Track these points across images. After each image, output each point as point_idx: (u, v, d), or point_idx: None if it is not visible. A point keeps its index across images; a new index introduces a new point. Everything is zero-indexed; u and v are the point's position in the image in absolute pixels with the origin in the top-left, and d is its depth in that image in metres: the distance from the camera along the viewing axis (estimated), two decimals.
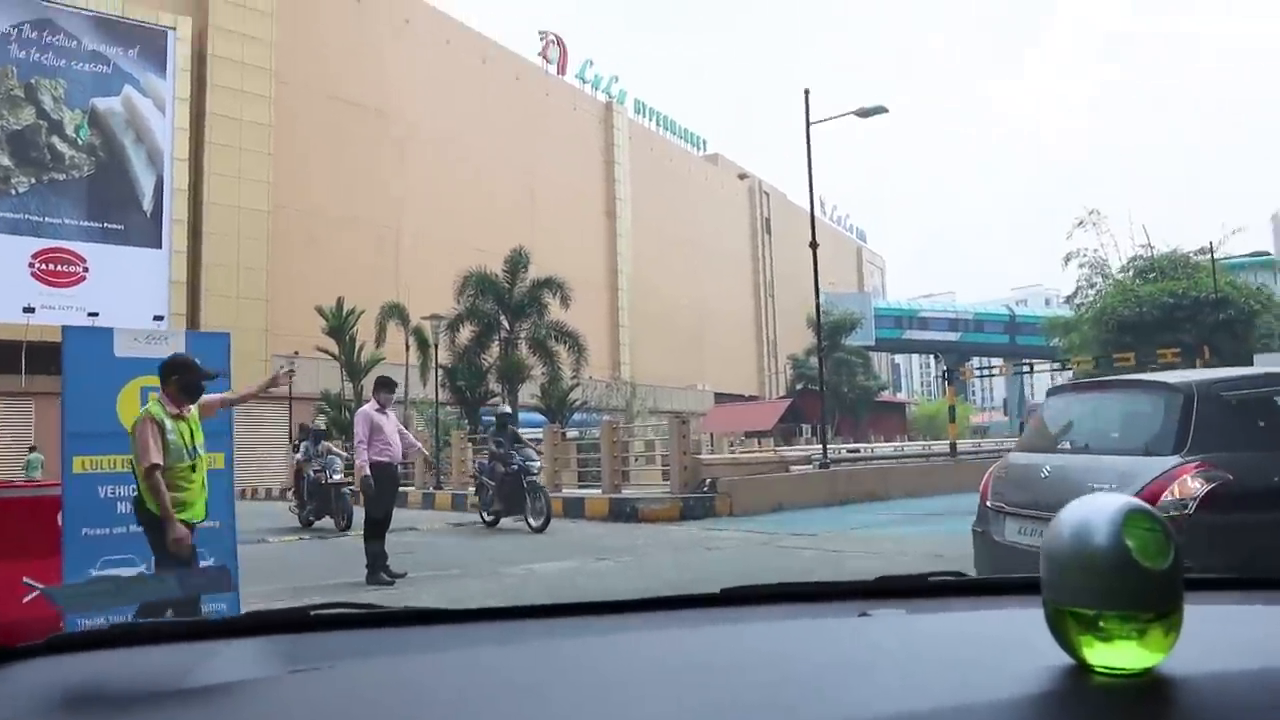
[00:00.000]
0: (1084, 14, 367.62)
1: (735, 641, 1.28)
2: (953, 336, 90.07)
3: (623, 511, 13.86)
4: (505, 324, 32.18)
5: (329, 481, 14.21)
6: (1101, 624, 0.89)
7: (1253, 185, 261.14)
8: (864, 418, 55.09)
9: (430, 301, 30.83)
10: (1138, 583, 0.88)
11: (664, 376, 58.47)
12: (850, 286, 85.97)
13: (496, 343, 32.24)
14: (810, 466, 15.76)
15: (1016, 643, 1.13)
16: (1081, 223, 43.96)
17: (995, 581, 1.71)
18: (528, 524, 12.41)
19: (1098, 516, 0.90)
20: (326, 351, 29.66)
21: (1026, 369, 47.18)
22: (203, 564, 5.16)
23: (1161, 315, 34.75)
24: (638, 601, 1.53)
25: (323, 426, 17.29)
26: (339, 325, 28.89)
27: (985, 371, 56.75)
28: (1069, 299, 45.93)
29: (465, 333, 31.64)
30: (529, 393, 33.21)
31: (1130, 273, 39.89)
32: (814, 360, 55.15)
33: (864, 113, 16.21)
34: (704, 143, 75.34)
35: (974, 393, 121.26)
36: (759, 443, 41.20)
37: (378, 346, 29.98)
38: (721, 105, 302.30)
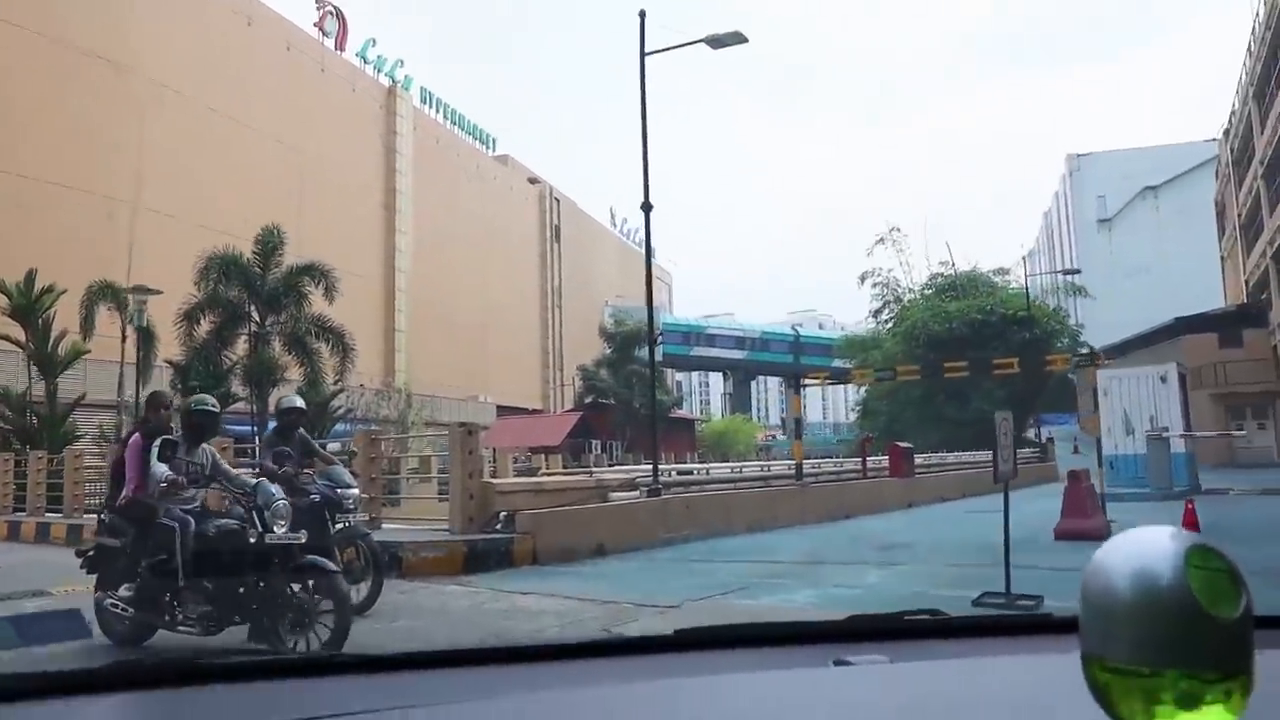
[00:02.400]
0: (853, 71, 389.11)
1: (694, 695, 1.15)
2: (739, 354, 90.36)
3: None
4: (256, 316, 27.06)
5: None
6: (1160, 685, 0.73)
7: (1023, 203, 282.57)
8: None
9: (174, 290, 25.40)
10: (1205, 635, 0.72)
11: (444, 385, 53.83)
12: (640, 300, 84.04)
13: (245, 338, 27.07)
14: (637, 494, 12.21)
15: (1028, 701, 1.02)
16: (882, 240, 43.61)
17: (981, 621, 1.66)
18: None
19: (1153, 554, 0.74)
20: (7, 338, 23.46)
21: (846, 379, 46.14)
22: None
23: (970, 333, 34.09)
24: (580, 645, 1.42)
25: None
26: (27, 305, 22.81)
27: (825, 383, 55.73)
28: (875, 314, 45.30)
29: (206, 326, 26.34)
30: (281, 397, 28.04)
31: (931, 290, 39.38)
32: (604, 373, 52.94)
33: (715, 41, 12.95)
34: (494, 141, 71.16)
35: (760, 411, 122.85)
36: (546, 460, 37.65)
37: (83, 336, 24.04)
38: (515, 107, 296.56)
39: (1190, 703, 0.73)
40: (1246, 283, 43.43)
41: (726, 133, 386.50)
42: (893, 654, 1.31)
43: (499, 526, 10.02)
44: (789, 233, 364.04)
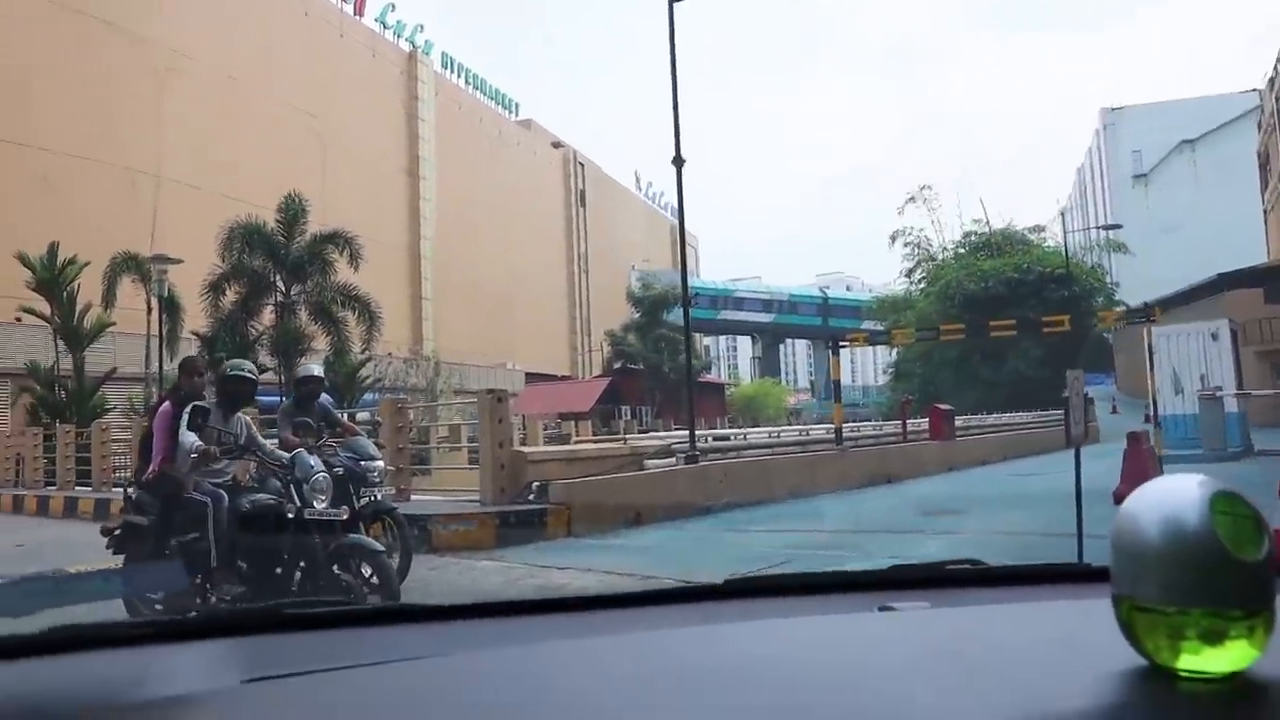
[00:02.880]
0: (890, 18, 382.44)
1: (742, 639, 1.20)
2: (767, 318, 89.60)
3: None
4: (281, 285, 26.78)
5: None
6: (1185, 623, 0.79)
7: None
8: (683, 399, 52.18)
9: (199, 261, 25.14)
10: (1229, 577, 0.77)
11: (471, 353, 53.60)
12: (666, 264, 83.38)
13: (270, 308, 26.83)
14: (673, 461, 11.76)
15: (1065, 640, 1.06)
16: (913, 198, 42.72)
17: (1020, 570, 1.61)
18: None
19: (1181, 501, 0.80)
20: (33, 312, 23.26)
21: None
22: None
23: (1006, 291, 33.27)
24: (633, 595, 1.49)
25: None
26: (51, 278, 22.58)
27: (864, 343, 55.45)
28: (909, 273, 44.46)
29: (232, 296, 26.11)
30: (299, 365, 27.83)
31: (965, 249, 38.48)
32: (632, 338, 52.42)
33: None
34: (517, 106, 70.38)
35: (788, 374, 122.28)
36: (576, 427, 37.35)
37: (105, 308, 23.80)
38: (537, 71, 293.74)
39: (1215, 639, 0.78)
40: None
41: (750, 93, 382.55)
42: (935, 600, 1.36)
43: (531, 497, 9.59)
44: (815, 194, 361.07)
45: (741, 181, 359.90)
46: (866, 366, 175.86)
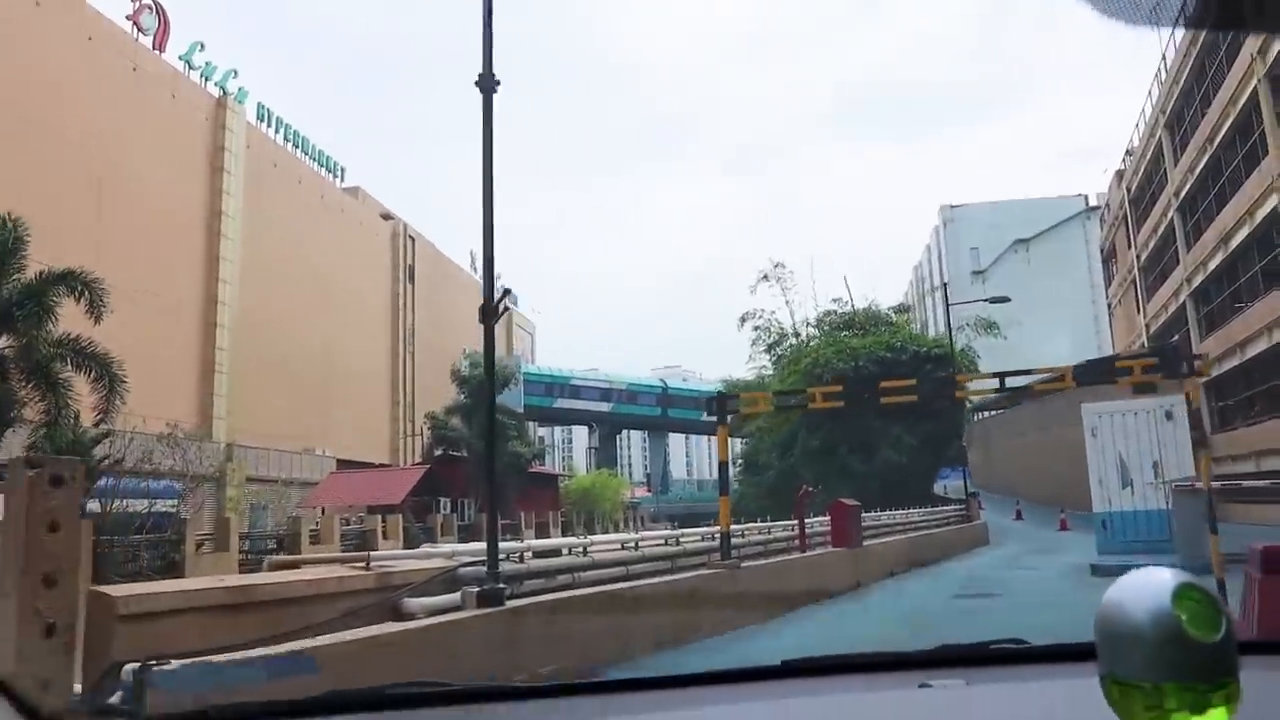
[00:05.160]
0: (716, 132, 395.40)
1: (796, 715, 1.30)
2: (605, 407, 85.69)
3: None
4: None
5: None
6: (1158, 696, 0.91)
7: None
8: (513, 491, 46.55)
9: None
10: (1191, 654, 0.90)
11: (274, 436, 46.93)
12: (499, 349, 78.60)
13: None
14: (458, 601, 6.50)
15: (1075, 713, 1.15)
16: (766, 276, 39.68)
17: (1057, 649, 1.64)
18: None
19: (1148, 590, 0.94)
20: None
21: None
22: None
23: (880, 371, 29.92)
24: (697, 676, 1.53)
25: None
26: None
27: (763, 409, 51.72)
28: (768, 349, 40.92)
29: None
30: (21, 442, 21.45)
31: (828, 327, 35.21)
32: (456, 421, 46.97)
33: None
34: (343, 171, 64.58)
35: (625, 466, 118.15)
36: (383, 521, 31.62)
37: None
38: (369, 140, 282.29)
39: (1195, 707, 0.90)
40: (1147, 326, 40.99)
41: (591, 187, 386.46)
42: (972, 678, 1.44)
43: (117, 699, 4.43)
44: (655, 290, 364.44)
45: (587, 276, 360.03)
46: (704, 458, 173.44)
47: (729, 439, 13.05)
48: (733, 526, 11.76)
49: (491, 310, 7.92)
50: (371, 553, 8.13)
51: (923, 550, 19.17)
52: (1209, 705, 0.89)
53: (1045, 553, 20.97)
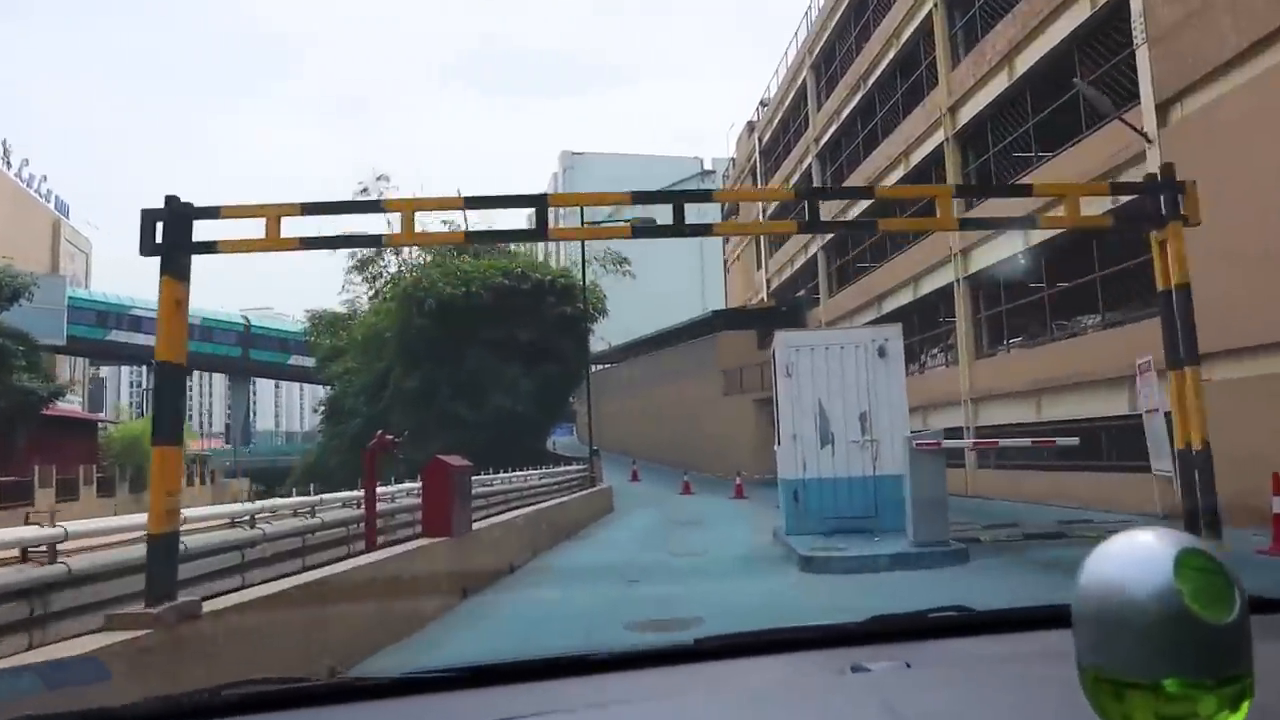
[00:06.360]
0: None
1: (711, 701, 1.16)
2: None
3: None
4: None
5: None
6: (1154, 695, 0.71)
7: None
8: (21, 440, 36.05)
9: None
10: (1197, 642, 0.70)
11: None
12: (40, 266, 64.35)
13: None
14: None
15: (1040, 694, 0.99)
16: (366, 189, 33.35)
17: (1011, 615, 1.46)
18: None
19: (1143, 559, 0.72)
20: None
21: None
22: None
23: (495, 301, 24.83)
24: (602, 660, 1.34)
25: None
26: None
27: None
28: (360, 268, 34.27)
29: None
30: None
31: (435, 252, 29.58)
32: None
33: None
34: None
35: (202, 415, 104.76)
36: None
37: None
38: None
39: (1189, 709, 0.70)
40: (768, 282, 39.66)
41: (175, 109, 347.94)
42: (912, 656, 1.25)
43: None
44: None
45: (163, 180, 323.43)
46: (294, 407, 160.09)
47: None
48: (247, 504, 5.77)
49: None
50: None
51: (552, 527, 14.34)
52: (1224, 703, 0.69)
53: (694, 525, 17.00)
